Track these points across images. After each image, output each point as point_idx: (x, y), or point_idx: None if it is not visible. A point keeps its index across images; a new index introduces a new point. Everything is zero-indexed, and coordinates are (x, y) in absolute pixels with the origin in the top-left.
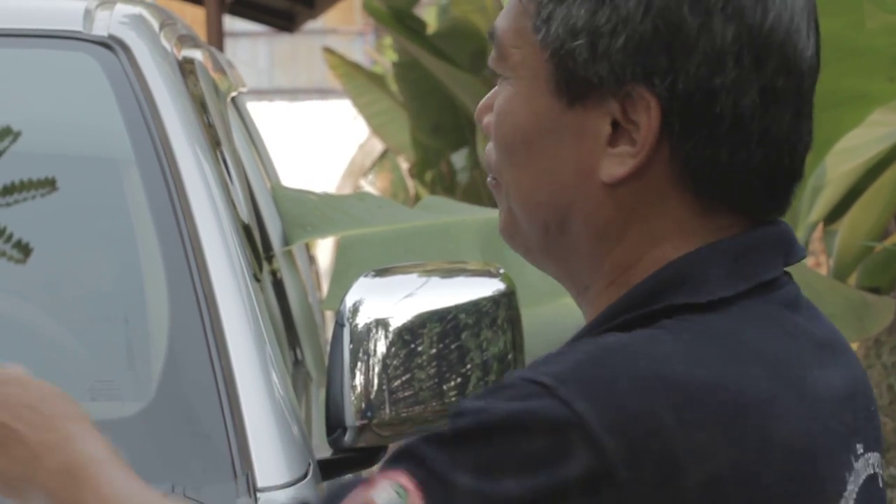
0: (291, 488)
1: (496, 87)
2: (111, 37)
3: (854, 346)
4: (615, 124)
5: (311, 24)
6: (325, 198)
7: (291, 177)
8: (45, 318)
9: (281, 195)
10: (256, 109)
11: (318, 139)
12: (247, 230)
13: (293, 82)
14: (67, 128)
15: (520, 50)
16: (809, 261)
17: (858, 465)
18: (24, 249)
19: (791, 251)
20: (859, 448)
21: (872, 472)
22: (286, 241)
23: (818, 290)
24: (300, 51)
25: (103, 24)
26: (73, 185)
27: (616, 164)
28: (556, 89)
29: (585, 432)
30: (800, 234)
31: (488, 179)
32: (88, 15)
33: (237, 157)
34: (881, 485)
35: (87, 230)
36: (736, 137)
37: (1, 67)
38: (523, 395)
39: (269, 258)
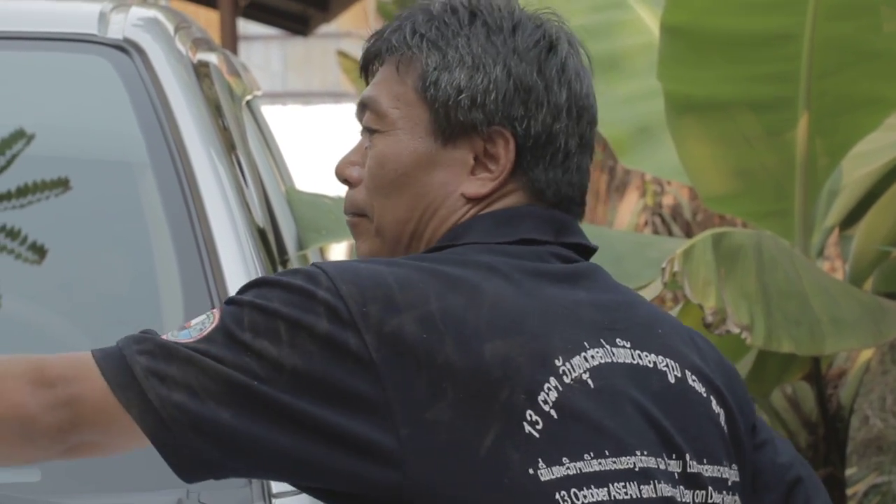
0: (305, 494)
1: (357, 147)
2: (126, 40)
3: (869, 352)
4: (475, 158)
5: (325, 28)
6: (340, 202)
7: (305, 180)
8: (59, 321)
9: (296, 199)
10: (270, 113)
11: (331, 142)
12: (262, 234)
13: (307, 86)
14: (82, 131)
15: (399, 109)
16: (825, 266)
17: (614, 349)
18: (40, 253)
19: (558, 225)
20: (619, 340)
21: (644, 363)
22: (301, 246)
23: (834, 296)
24: (314, 54)
25: (118, 28)
26: (89, 188)
27: (478, 185)
28: (434, 133)
29: (330, 281)
30: (815, 239)
31: (347, 219)
32: (103, 18)
33: (252, 161)
34: (673, 380)
35: (102, 233)
36: (565, 166)
37: (17, 70)
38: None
39: (284, 262)
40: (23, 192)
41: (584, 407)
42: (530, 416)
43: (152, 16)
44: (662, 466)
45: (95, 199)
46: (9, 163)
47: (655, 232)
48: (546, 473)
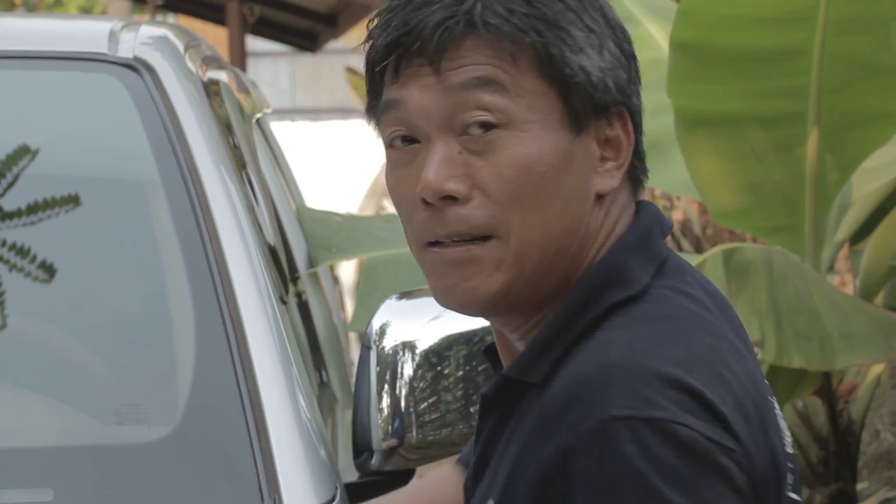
0: None
1: (444, 157)
2: (136, 58)
3: (880, 366)
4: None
5: (334, 44)
6: (350, 219)
7: (314, 196)
8: (70, 341)
9: (306, 217)
10: (279, 129)
11: (340, 159)
12: (273, 252)
13: (315, 102)
14: (93, 150)
15: (523, 98)
16: (835, 280)
17: (773, 397)
18: (50, 271)
19: (664, 225)
20: (766, 383)
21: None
22: (311, 263)
23: (844, 311)
24: (322, 70)
25: (128, 46)
26: (99, 207)
27: (608, 178)
28: (567, 124)
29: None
30: (826, 254)
31: (455, 250)
32: (113, 37)
33: (262, 179)
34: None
35: (112, 252)
36: (640, 135)
37: (27, 89)
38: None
39: (295, 280)
40: (33, 210)
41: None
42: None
43: (162, 34)
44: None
45: (106, 217)
46: (17, 180)
47: None
48: None
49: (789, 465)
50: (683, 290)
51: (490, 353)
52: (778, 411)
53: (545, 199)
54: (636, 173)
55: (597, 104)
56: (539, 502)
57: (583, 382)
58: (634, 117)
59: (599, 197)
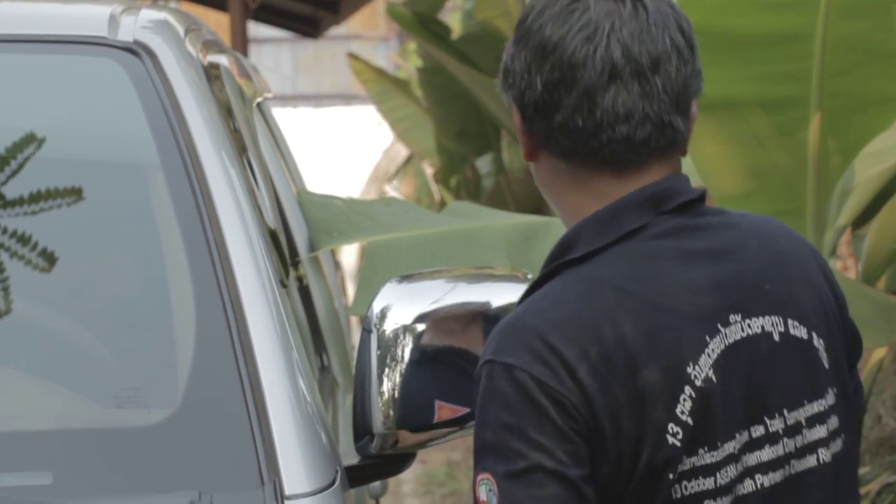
0: (319, 496)
1: None
2: (136, 42)
3: (882, 351)
4: None
5: (335, 30)
6: (351, 203)
7: (316, 182)
8: (70, 325)
9: (307, 201)
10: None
11: (342, 145)
12: (273, 236)
13: (317, 88)
14: (93, 133)
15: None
16: (837, 265)
17: (728, 329)
18: (50, 255)
19: (663, 201)
20: (732, 318)
21: (754, 331)
22: (312, 247)
23: (847, 294)
24: (324, 56)
25: (129, 30)
26: (99, 190)
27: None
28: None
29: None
30: (828, 238)
31: None
32: (113, 21)
33: (263, 163)
34: (780, 338)
35: (112, 236)
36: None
37: (27, 73)
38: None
39: (296, 264)
40: (33, 194)
41: (712, 403)
42: (671, 428)
43: (162, 18)
44: (764, 431)
45: (106, 201)
46: (17, 164)
47: None
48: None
49: (689, 394)
50: (638, 251)
51: None
52: (714, 347)
53: None
54: (556, 151)
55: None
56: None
57: (494, 330)
58: (521, 107)
59: (527, 160)
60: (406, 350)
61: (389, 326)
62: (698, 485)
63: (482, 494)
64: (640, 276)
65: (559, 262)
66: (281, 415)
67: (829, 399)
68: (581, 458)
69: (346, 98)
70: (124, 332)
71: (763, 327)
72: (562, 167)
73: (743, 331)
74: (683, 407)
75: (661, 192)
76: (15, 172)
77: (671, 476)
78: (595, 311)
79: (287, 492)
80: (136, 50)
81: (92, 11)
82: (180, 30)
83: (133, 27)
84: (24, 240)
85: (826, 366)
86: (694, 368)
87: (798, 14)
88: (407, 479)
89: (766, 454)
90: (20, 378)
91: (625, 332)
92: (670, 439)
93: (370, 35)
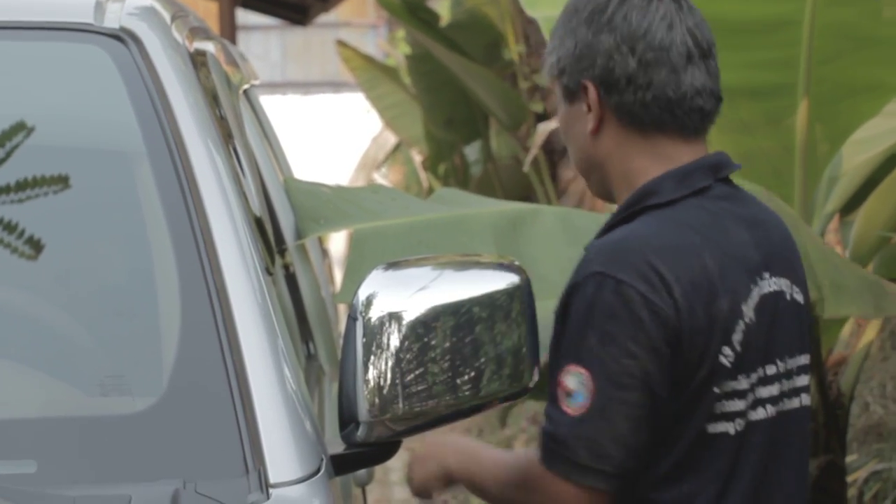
0: (304, 484)
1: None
2: (122, 29)
3: (869, 338)
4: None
5: (324, 17)
6: (339, 190)
7: (304, 170)
8: (55, 312)
9: (294, 188)
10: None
11: (330, 132)
12: (259, 224)
13: (306, 75)
14: (78, 120)
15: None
16: None
17: (763, 282)
18: (35, 243)
19: (719, 169)
20: (765, 274)
21: (776, 288)
22: (299, 235)
23: (836, 265)
24: (313, 44)
25: (115, 17)
26: (84, 178)
27: (588, 122)
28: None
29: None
30: (816, 225)
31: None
32: (100, 7)
33: (249, 151)
34: (789, 298)
35: (97, 224)
36: (618, 95)
37: (12, 60)
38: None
39: (282, 252)
40: (18, 181)
41: (752, 337)
42: (726, 350)
43: (149, 5)
44: (772, 371)
45: (91, 188)
46: (6, 154)
47: None
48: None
49: (741, 326)
50: (707, 207)
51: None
52: (755, 294)
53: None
54: (638, 120)
55: (566, 86)
56: (560, 317)
57: (595, 248)
58: (606, 82)
59: (592, 134)
60: (392, 337)
61: (375, 314)
62: (732, 405)
63: (570, 384)
64: (713, 226)
65: (644, 205)
66: (266, 403)
67: (807, 356)
68: (664, 369)
69: (335, 85)
70: (109, 320)
71: (781, 287)
72: (633, 135)
73: (770, 287)
74: (737, 336)
75: (718, 161)
76: (1, 160)
77: (716, 391)
78: (687, 245)
79: (272, 480)
80: (121, 37)
81: None
82: (167, 16)
83: (119, 14)
84: (8, 227)
85: (806, 328)
86: (745, 306)
87: (786, 1)
88: (394, 467)
89: (770, 391)
90: (4, 366)
91: (708, 266)
92: (724, 360)
93: (359, 22)
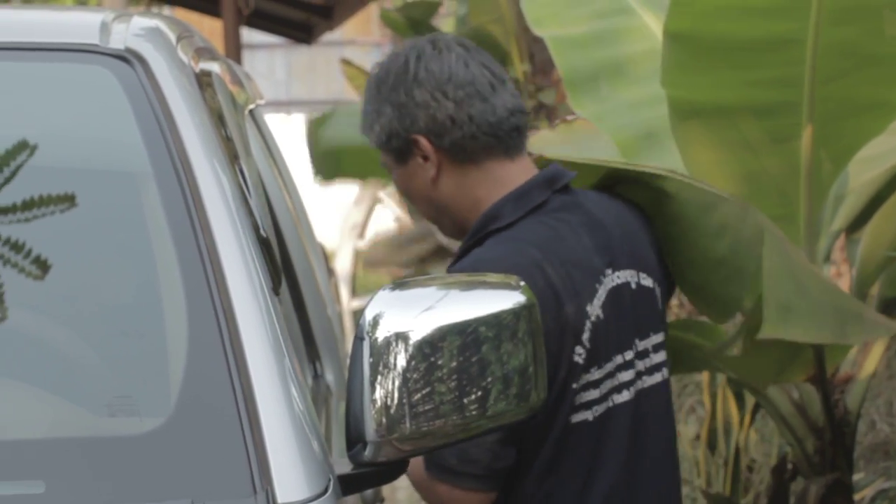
0: None
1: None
2: (128, 50)
3: (876, 357)
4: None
5: (329, 36)
6: None
7: (310, 188)
8: (62, 333)
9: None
10: (274, 121)
11: None
12: (265, 243)
13: (311, 94)
14: (84, 141)
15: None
16: (832, 270)
17: (606, 279)
18: (42, 264)
19: (555, 182)
20: (608, 271)
21: (621, 281)
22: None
23: (802, 286)
24: (318, 62)
25: (120, 37)
26: (91, 198)
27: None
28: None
29: None
30: (822, 244)
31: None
32: (105, 28)
33: (255, 170)
34: (635, 286)
35: (104, 244)
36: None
37: (18, 81)
38: None
39: (289, 271)
40: (24, 201)
41: (600, 333)
42: (578, 350)
43: (154, 25)
44: (629, 357)
45: (98, 209)
46: (11, 174)
47: None
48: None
49: (588, 326)
50: (545, 221)
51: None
52: (601, 292)
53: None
54: (470, 152)
55: (396, 149)
56: None
57: (452, 272)
58: (431, 134)
59: (433, 181)
60: (398, 357)
61: (382, 334)
62: (588, 395)
63: None
64: (552, 239)
65: (488, 230)
66: (273, 423)
67: (662, 333)
68: None
69: (340, 104)
70: (117, 341)
71: (626, 278)
72: (468, 168)
73: (614, 281)
74: (587, 334)
75: (553, 175)
76: (6, 180)
77: (574, 386)
78: (528, 262)
79: (280, 500)
80: (127, 57)
81: (83, 19)
82: (172, 37)
83: (125, 34)
84: (15, 247)
85: (660, 308)
86: (591, 307)
87: (789, 20)
88: (401, 486)
89: (629, 375)
90: (12, 386)
91: (551, 278)
92: (578, 359)
93: (364, 40)
